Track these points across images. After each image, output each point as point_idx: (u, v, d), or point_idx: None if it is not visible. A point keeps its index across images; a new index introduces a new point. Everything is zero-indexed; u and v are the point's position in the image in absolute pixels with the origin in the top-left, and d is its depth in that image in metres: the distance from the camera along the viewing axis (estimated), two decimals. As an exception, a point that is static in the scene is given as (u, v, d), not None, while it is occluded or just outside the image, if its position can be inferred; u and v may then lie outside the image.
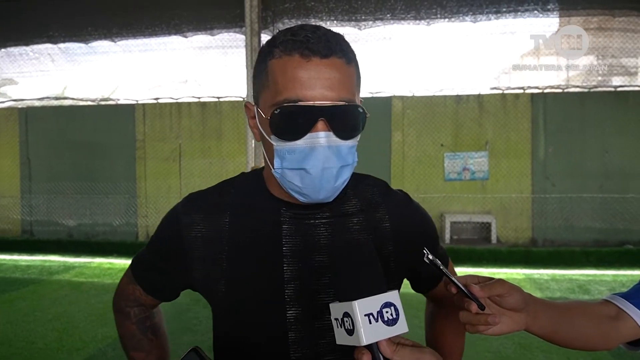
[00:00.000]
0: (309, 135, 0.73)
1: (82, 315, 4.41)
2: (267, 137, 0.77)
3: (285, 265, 0.81)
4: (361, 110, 0.76)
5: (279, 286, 0.81)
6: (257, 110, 0.79)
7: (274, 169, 0.77)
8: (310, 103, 0.71)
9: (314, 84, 0.71)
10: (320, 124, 0.72)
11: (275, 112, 0.73)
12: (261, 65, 0.77)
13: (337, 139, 0.74)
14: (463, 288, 0.71)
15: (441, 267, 0.70)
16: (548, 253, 6.53)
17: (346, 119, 0.74)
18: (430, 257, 0.68)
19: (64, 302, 4.89)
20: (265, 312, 0.81)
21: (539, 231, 7.16)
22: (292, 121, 0.72)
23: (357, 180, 0.89)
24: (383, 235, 0.86)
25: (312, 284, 0.81)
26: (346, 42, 0.77)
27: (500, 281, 0.73)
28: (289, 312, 0.80)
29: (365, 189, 0.89)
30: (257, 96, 0.79)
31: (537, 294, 4.86)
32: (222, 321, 0.86)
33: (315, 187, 0.75)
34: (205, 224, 0.84)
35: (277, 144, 0.75)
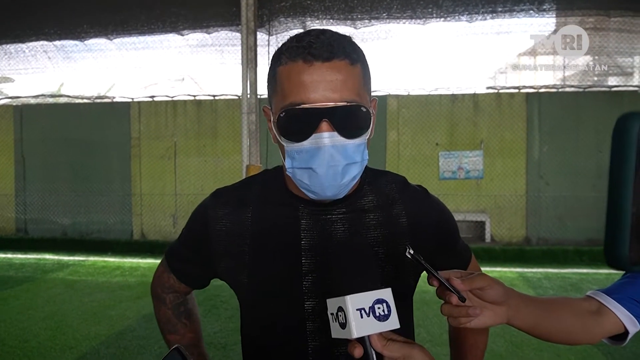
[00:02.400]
0: (313, 136, 0.76)
1: (76, 313, 4.40)
2: (279, 139, 0.81)
3: (303, 258, 0.85)
4: (364, 110, 0.78)
5: (298, 278, 0.85)
6: (272, 112, 0.84)
7: (287, 168, 0.82)
8: (312, 105, 0.75)
9: (316, 87, 0.75)
10: (324, 125, 0.75)
11: (281, 115, 0.77)
12: (271, 72, 0.82)
13: (342, 139, 0.76)
14: (444, 281, 0.72)
15: (423, 262, 0.71)
16: (541, 252, 6.56)
17: (349, 118, 0.77)
18: (412, 252, 0.69)
19: (57, 300, 4.88)
20: (285, 303, 0.86)
21: (533, 230, 7.19)
22: (296, 123, 0.76)
23: (375, 176, 0.93)
24: (400, 231, 0.89)
25: (328, 276, 0.83)
26: (352, 43, 0.80)
27: (482, 275, 0.74)
28: (307, 303, 0.85)
29: (383, 185, 0.92)
30: (270, 101, 0.84)
31: (530, 292, 4.89)
32: (247, 310, 0.92)
33: (322, 185, 0.78)
34: (229, 219, 0.89)
35: (286, 145, 0.79)
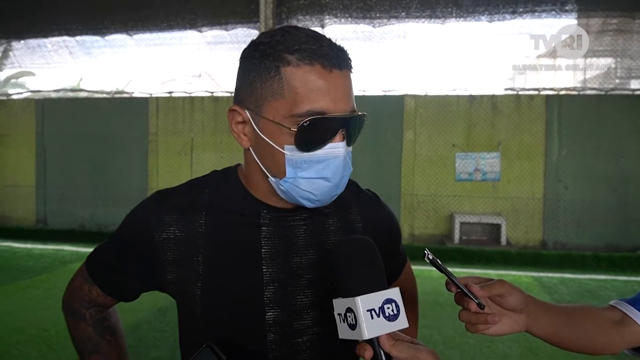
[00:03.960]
0: (329, 145, 0.74)
1: (93, 304, 4.48)
2: (276, 146, 0.74)
3: (264, 267, 0.81)
4: (365, 119, 0.79)
5: (259, 289, 0.80)
6: (254, 115, 0.76)
7: (284, 177, 0.76)
8: (337, 115, 0.73)
9: (334, 96, 0.73)
10: (339, 135, 0.74)
11: (305, 124, 0.71)
12: (268, 71, 0.73)
13: (347, 147, 0.77)
14: (463, 287, 0.72)
15: (442, 267, 0.71)
16: (558, 256, 6.45)
17: (357, 128, 0.77)
18: (431, 256, 0.69)
19: (75, 291, 4.97)
20: (245, 314, 0.81)
21: (550, 234, 7.08)
22: (318, 133, 0.73)
23: None
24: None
25: (290, 285, 0.82)
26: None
27: (501, 281, 0.74)
28: (268, 313, 0.80)
29: None
30: (261, 102, 0.75)
31: (546, 298, 4.82)
32: (195, 322, 0.83)
33: (331, 194, 0.78)
34: (178, 225, 0.81)
35: (292, 153, 0.74)
